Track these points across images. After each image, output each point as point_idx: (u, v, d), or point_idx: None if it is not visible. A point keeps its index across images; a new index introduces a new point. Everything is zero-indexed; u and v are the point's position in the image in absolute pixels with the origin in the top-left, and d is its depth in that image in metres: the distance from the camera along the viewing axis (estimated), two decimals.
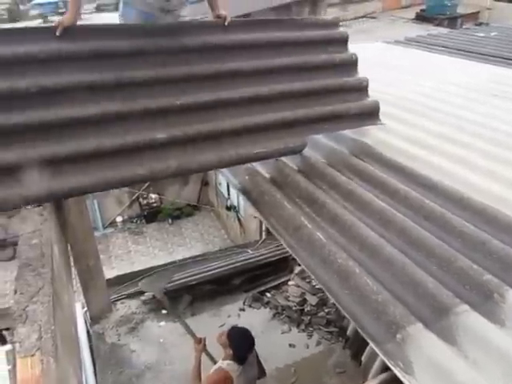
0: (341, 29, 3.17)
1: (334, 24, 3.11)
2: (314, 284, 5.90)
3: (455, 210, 2.22)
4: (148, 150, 2.30)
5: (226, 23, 2.80)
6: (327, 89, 2.89)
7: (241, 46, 2.75)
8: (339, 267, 1.95)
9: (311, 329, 5.40)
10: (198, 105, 2.48)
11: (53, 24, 2.46)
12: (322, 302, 5.66)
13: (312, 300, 5.75)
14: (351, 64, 3.05)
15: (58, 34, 2.42)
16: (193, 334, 3.64)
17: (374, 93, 3.88)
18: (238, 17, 15.14)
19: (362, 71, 4.08)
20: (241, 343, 3.13)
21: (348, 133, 3.00)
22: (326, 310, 5.58)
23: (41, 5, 18.69)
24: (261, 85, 2.67)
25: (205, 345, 3.40)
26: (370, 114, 3.00)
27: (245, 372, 3.11)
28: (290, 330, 5.41)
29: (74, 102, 2.24)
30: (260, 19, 3.14)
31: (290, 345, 5.16)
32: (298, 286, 6.01)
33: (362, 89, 3.03)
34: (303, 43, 2.91)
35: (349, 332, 5.08)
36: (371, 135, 3.07)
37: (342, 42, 3.07)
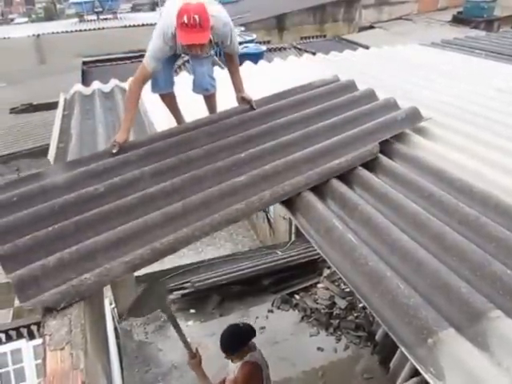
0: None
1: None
2: (343, 287, 5.85)
3: (491, 215, 2.17)
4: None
5: (255, 106, 3.12)
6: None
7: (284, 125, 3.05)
8: (370, 270, 1.94)
9: (340, 333, 5.36)
10: (263, 150, 2.79)
11: (111, 143, 2.88)
12: (351, 306, 5.61)
13: (341, 303, 5.71)
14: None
15: (114, 151, 2.79)
16: (187, 345, 3.14)
17: (410, 94, 3.84)
18: (269, 17, 15.12)
19: (398, 73, 4.05)
20: (235, 340, 2.97)
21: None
22: (355, 314, 5.53)
23: (77, 4, 18.97)
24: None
25: (200, 357, 3.11)
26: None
27: (262, 356, 3.05)
28: (319, 333, 5.38)
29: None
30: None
31: (318, 348, 5.14)
32: (327, 289, 5.98)
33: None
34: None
35: (377, 337, 5.02)
36: (407, 139, 3.04)
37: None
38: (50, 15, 30.19)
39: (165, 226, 2.24)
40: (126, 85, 4.83)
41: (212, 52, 2.95)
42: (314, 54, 6.14)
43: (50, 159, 3.24)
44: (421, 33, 12.40)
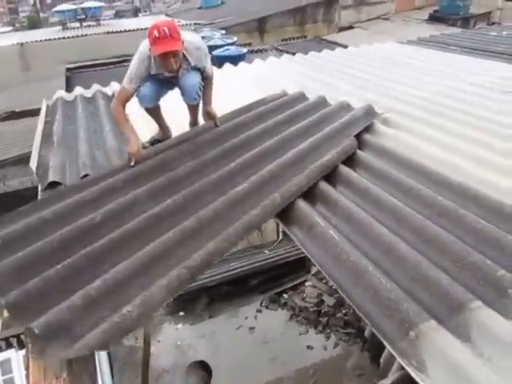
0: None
1: None
2: (331, 284, 5.88)
3: (470, 207, 2.21)
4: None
5: (219, 123, 3.25)
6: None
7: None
8: (352, 265, 1.96)
9: (329, 330, 5.38)
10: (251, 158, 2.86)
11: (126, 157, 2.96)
12: (340, 303, 5.64)
13: (329, 301, 5.74)
14: None
15: (132, 164, 2.87)
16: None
17: (387, 91, 3.92)
18: (250, 20, 15.20)
19: (375, 71, 4.16)
20: None
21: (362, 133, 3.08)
22: (344, 311, 5.56)
23: (61, 12, 18.99)
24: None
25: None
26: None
27: None
28: (308, 331, 5.40)
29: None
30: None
31: (308, 346, 5.15)
32: (315, 287, 6.01)
33: None
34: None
35: (367, 334, 5.05)
36: (384, 134, 3.09)
37: None
38: (34, 24, 29.96)
39: (186, 243, 2.16)
40: (107, 90, 4.83)
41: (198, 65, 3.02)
42: (293, 54, 6.17)
43: (32, 167, 3.21)
44: (399, 31, 12.50)
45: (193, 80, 3.03)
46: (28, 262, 2.11)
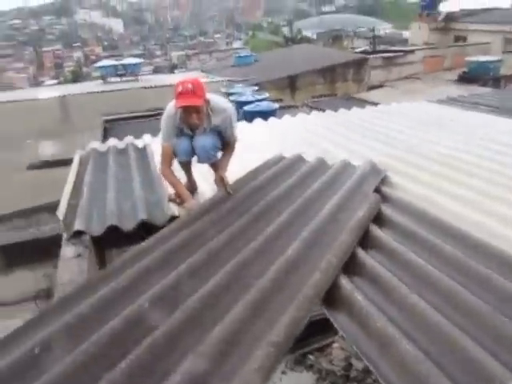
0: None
1: None
2: None
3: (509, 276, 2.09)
4: None
5: (231, 191, 3.14)
6: None
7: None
8: (378, 332, 1.85)
9: None
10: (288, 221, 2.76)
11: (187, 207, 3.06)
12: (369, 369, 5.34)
13: (358, 365, 5.44)
14: None
15: (190, 213, 2.94)
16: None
17: (413, 148, 3.98)
18: (281, 78, 15.67)
19: (404, 128, 4.26)
20: None
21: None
22: (374, 377, 5.25)
23: (102, 67, 20.38)
24: None
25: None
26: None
27: None
28: None
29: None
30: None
31: None
32: (343, 349, 5.72)
33: None
34: None
35: None
36: (400, 187, 3.21)
37: None
38: (77, 77, 32.09)
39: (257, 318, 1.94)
40: (139, 142, 4.96)
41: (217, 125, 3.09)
42: (323, 110, 6.28)
43: (58, 215, 3.26)
44: (429, 91, 12.60)
45: (206, 141, 3.09)
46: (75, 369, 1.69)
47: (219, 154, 3.25)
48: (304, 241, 2.44)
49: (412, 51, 17.37)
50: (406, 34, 31.01)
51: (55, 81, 34.48)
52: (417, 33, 22.84)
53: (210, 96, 3.02)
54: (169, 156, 3.13)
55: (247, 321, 1.90)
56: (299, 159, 3.84)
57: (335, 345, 5.80)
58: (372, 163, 3.49)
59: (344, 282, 2.16)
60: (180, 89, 2.83)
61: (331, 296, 2.12)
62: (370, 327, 1.88)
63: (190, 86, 2.82)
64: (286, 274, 2.18)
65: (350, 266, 2.32)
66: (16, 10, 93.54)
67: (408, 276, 2.19)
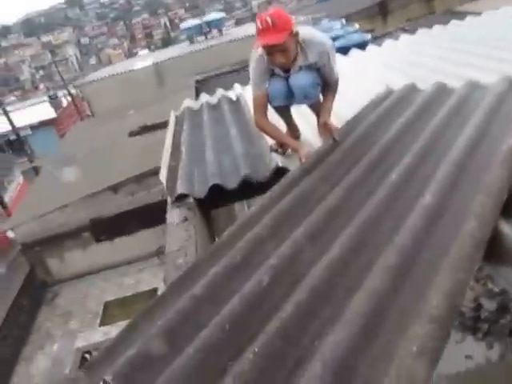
0: None
1: None
2: (490, 286, 5.16)
3: None
4: None
5: (337, 137, 2.67)
6: None
7: None
8: None
9: (491, 338, 4.69)
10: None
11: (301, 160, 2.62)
12: (503, 308, 4.90)
13: (489, 305, 5.00)
14: None
15: (304, 161, 2.59)
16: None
17: None
18: (371, 6, 14.48)
19: None
20: None
21: None
22: (510, 318, 4.81)
23: (187, 29, 21.43)
24: None
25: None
26: None
27: None
28: (465, 339, 4.77)
29: None
30: None
31: (467, 356, 4.54)
32: (471, 289, 5.31)
33: None
34: None
35: None
36: None
37: None
38: (167, 43, 33.41)
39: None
40: (231, 93, 4.83)
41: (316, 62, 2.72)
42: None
43: (161, 179, 3.24)
44: None
45: (303, 80, 2.71)
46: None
47: (320, 94, 2.90)
48: (441, 182, 1.96)
49: None
50: None
51: (146, 50, 36.22)
52: None
53: (302, 29, 2.64)
54: (263, 104, 2.79)
55: (390, 290, 1.53)
56: (412, 89, 3.31)
57: None
58: (510, 79, 2.89)
59: (507, 229, 1.73)
60: (258, 24, 2.48)
61: (493, 249, 1.71)
62: None
63: (269, 20, 2.44)
64: (427, 226, 1.75)
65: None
66: None
67: None
